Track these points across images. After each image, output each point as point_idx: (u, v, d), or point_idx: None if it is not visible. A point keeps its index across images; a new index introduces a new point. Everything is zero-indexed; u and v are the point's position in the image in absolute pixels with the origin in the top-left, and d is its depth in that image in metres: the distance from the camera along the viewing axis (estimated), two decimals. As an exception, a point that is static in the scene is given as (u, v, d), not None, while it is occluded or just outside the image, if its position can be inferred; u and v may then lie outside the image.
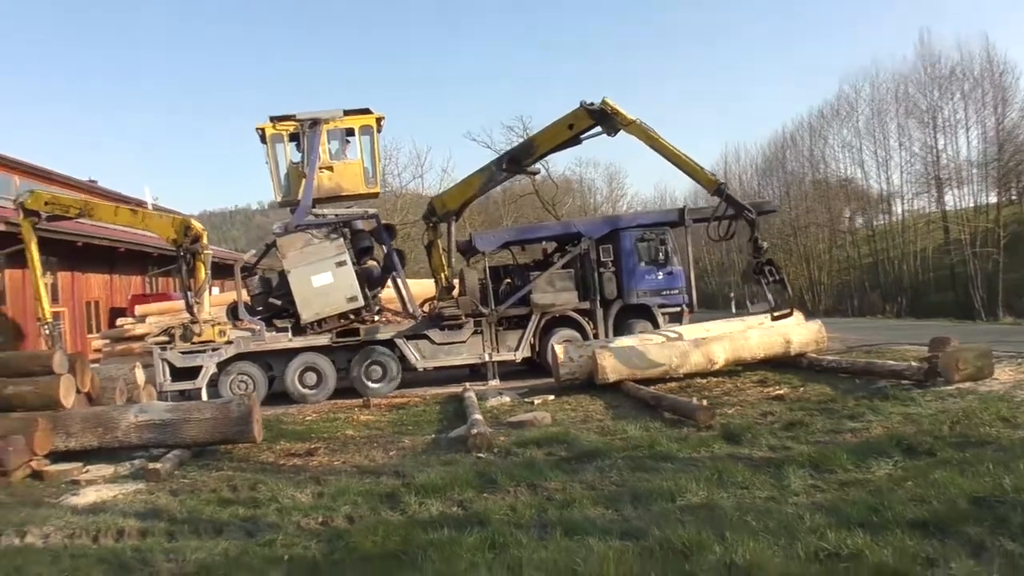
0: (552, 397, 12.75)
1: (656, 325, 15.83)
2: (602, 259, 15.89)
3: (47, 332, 14.91)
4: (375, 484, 7.83)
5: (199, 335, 14.38)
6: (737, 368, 13.32)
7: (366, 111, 16.09)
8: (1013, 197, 31.70)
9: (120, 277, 24.14)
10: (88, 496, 8.29)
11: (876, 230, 37.10)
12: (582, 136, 14.14)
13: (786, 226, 38.93)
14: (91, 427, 9.88)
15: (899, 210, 36.78)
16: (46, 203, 14.82)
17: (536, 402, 12.48)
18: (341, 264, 15.05)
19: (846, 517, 5.51)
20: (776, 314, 12.59)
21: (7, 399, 10.12)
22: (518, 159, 14.81)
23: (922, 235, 34.78)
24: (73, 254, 19.86)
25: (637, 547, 5.19)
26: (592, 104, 13.56)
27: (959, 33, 47.86)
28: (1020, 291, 27.00)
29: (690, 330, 14.02)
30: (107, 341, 18.43)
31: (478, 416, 10.79)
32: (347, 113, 15.94)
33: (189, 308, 14.62)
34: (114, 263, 23.16)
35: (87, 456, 9.98)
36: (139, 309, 19.73)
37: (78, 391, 10.67)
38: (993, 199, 33.51)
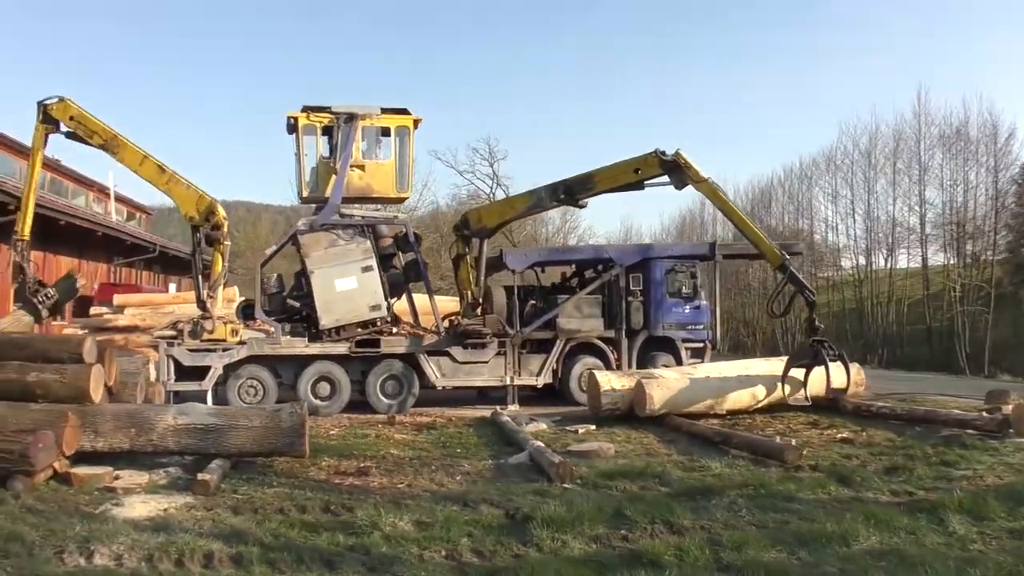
0: (594, 427, 12.15)
1: (679, 359, 15.45)
2: (631, 288, 15.47)
3: (18, 251, 12.88)
4: (476, 514, 7.12)
5: (211, 332, 13.28)
6: (766, 408, 13.00)
7: (404, 111, 15.35)
8: (1003, 254, 32.71)
9: (88, 263, 22.53)
10: (135, 508, 7.24)
11: (859, 280, 38.10)
12: (646, 182, 13.89)
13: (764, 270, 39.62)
14: (123, 427, 8.81)
15: (880, 263, 38.08)
16: (71, 117, 13.02)
17: (580, 431, 11.88)
18: (367, 269, 14.19)
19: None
20: (835, 388, 12.54)
21: (29, 387, 8.96)
22: (572, 191, 14.32)
23: (897, 289, 35.83)
24: (47, 233, 18.31)
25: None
26: (665, 153, 13.35)
27: (961, 93, 48.90)
28: (1005, 349, 27.91)
29: (730, 367, 13.68)
30: (85, 331, 16.99)
31: (539, 443, 10.14)
32: (384, 111, 15.17)
33: (201, 303, 13.52)
34: (84, 248, 21.57)
35: (111, 460, 8.92)
36: (119, 299, 18.33)
37: (104, 385, 9.58)
38: (939, 258, 35.25)
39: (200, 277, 13.56)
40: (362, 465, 9.41)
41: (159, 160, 13.36)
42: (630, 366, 15.17)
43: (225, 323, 13.47)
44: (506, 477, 8.98)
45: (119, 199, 33.27)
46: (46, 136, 13.17)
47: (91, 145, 13.30)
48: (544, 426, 12.38)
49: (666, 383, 12.30)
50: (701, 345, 15.82)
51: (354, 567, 5.70)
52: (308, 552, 6.02)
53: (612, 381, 12.65)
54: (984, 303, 30.74)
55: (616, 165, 13.96)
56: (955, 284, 31.96)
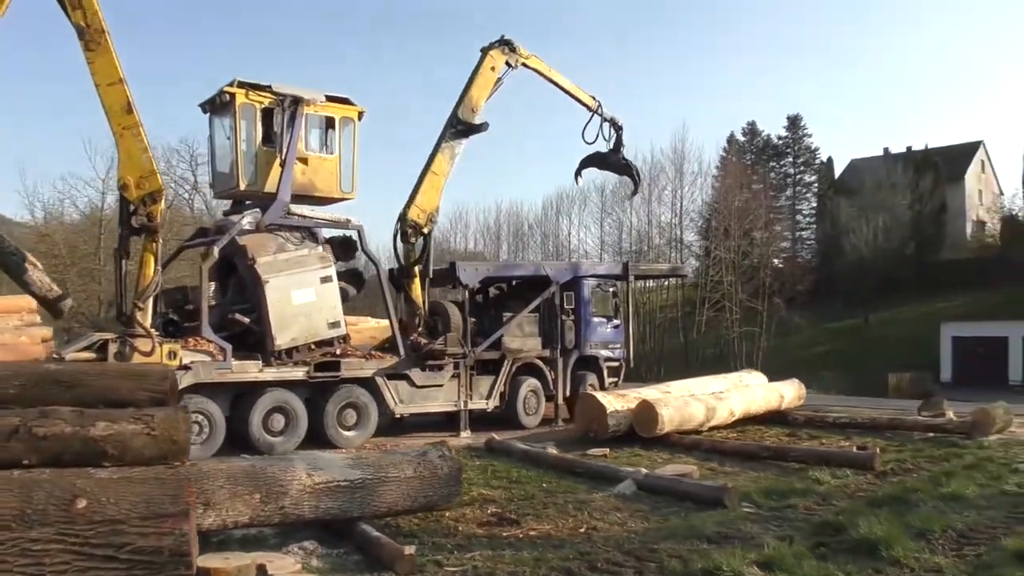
0: (608, 450, 11.71)
1: (602, 379, 15.52)
2: (564, 306, 15.15)
3: None
4: (775, 551, 6.48)
5: (148, 354, 10.08)
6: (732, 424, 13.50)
7: (347, 100, 13.23)
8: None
9: None
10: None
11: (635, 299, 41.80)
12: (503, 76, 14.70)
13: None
14: (245, 492, 6.36)
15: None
16: None
17: (608, 454, 11.34)
18: (326, 280, 11.94)
19: None
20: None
21: (94, 445, 5.98)
22: (465, 118, 14.07)
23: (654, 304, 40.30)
24: None
25: None
26: (493, 44, 14.55)
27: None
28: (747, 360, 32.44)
29: (694, 384, 14.19)
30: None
31: (641, 469, 9.58)
32: (329, 99, 12.98)
33: (123, 316, 10.24)
34: None
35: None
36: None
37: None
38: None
39: (122, 277, 10.33)
40: (501, 511, 8.06)
41: (133, 98, 10.06)
42: (564, 387, 14.89)
43: (162, 342, 10.35)
44: (660, 509, 8.34)
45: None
46: None
47: (67, 16, 10.10)
48: (554, 451, 11.65)
49: (671, 403, 12.32)
50: (618, 364, 16.10)
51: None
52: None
53: (613, 403, 12.32)
54: (760, 325, 35.91)
55: (478, 79, 14.36)
56: (731, 305, 36.73)
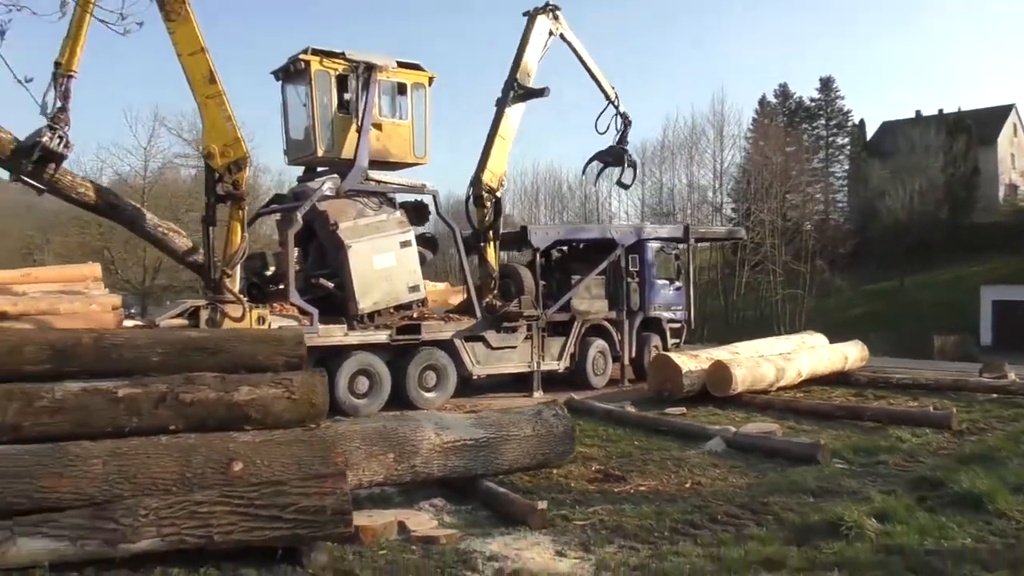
0: (684, 409, 11.93)
1: (665, 340, 15.75)
2: (630, 269, 15.31)
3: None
4: (885, 503, 6.68)
5: (238, 319, 10.37)
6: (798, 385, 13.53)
7: (417, 66, 13.40)
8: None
9: None
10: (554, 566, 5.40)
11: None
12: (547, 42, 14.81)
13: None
14: (379, 452, 6.57)
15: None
16: None
17: (684, 412, 11.60)
18: (406, 244, 12.20)
19: None
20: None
21: (238, 409, 6.31)
22: (523, 82, 14.19)
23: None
24: None
25: None
26: (537, 9, 14.63)
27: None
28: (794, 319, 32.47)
29: (761, 345, 14.35)
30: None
31: (729, 427, 9.82)
32: (400, 65, 13.12)
33: (210, 283, 10.52)
34: None
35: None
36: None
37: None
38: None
39: (210, 244, 10.61)
40: (605, 468, 8.35)
41: (215, 66, 10.27)
42: (630, 348, 15.13)
43: (251, 307, 10.64)
44: (755, 465, 8.52)
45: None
46: None
47: None
48: (634, 410, 11.88)
49: (744, 364, 12.51)
50: (680, 326, 16.30)
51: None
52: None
53: (687, 363, 12.51)
54: (802, 287, 36.00)
55: (530, 44, 14.41)
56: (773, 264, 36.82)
